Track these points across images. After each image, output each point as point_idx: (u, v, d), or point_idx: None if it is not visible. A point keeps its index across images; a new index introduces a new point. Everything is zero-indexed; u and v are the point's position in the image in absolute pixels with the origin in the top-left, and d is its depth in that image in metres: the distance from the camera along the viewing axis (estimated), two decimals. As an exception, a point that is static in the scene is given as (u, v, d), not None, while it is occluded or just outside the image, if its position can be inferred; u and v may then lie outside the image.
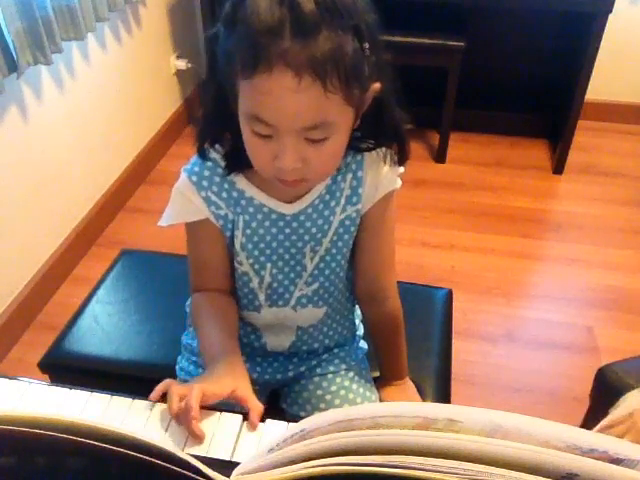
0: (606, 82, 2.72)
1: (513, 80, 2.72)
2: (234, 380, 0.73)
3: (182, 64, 2.63)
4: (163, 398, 0.70)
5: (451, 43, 2.26)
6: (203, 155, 0.80)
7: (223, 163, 0.79)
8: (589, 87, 2.29)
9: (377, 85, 0.71)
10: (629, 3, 2.57)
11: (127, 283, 1.27)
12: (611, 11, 2.11)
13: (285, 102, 0.63)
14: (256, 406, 0.69)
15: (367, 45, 0.66)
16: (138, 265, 1.33)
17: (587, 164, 2.58)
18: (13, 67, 1.55)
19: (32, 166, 1.77)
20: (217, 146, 0.80)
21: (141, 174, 2.41)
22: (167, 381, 0.71)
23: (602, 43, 2.19)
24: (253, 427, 0.68)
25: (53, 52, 1.66)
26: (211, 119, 0.77)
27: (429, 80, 2.54)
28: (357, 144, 0.80)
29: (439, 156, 2.58)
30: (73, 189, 2.00)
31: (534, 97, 2.74)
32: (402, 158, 0.82)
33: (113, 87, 2.18)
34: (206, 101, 0.77)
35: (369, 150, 0.81)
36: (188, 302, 0.96)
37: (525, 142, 2.71)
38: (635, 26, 2.63)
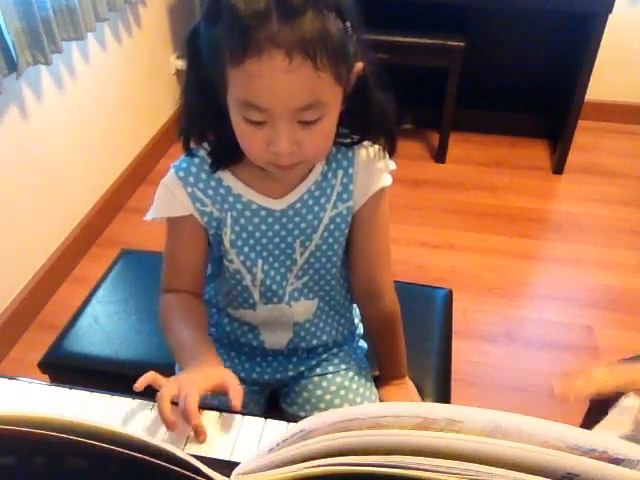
0: (606, 82, 2.73)
1: (513, 80, 2.73)
2: (215, 371, 0.73)
3: (182, 64, 2.63)
4: (154, 389, 0.69)
5: (451, 43, 2.26)
6: (190, 152, 0.80)
7: (209, 160, 0.80)
8: (589, 87, 2.30)
9: (360, 65, 0.72)
10: (629, 3, 2.57)
11: (127, 283, 1.27)
12: (611, 11, 2.11)
13: (278, 84, 0.64)
14: (236, 386, 0.70)
15: (349, 24, 0.67)
16: (138, 265, 1.33)
17: (587, 164, 2.58)
18: (13, 67, 1.55)
19: (32, 166, 1.77)
20: (205, 144, 0.80)
21: (141, 174, 2.41)
22: (151, 373, 0.69)
23: (602, 43, 2.19)
24: (236, 404, 0.67)
25: (53, 52, 1.66)
26: (195, 115, 0.77)
27: (429, 80, 2.54)
28: (345, 139, 0.81)
29: (439, 156, 2.58)
30: (73, 189, 2.00)
31: (534, 97, 2.74)
32: (391, 146, 0.82)
33: (113, 87, 2.18)
34: (188, 97, 0.77)
35: (359, 142, 0.81)
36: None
37: (525, 142, 2.71)
38: (635, 26, 2.63)
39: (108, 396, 0.72)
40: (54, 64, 1.72)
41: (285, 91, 0.64)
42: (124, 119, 2.29)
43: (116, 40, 2.16)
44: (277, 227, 0.83)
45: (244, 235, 0.83)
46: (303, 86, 0.64)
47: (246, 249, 0.84)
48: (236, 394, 0.69)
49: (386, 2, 2.23)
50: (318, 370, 0.97)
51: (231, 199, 0.81)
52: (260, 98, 0.65)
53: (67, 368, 1.11)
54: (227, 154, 0.78)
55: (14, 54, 1.53)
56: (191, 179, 0.81)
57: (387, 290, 0.93)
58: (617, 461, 0.41)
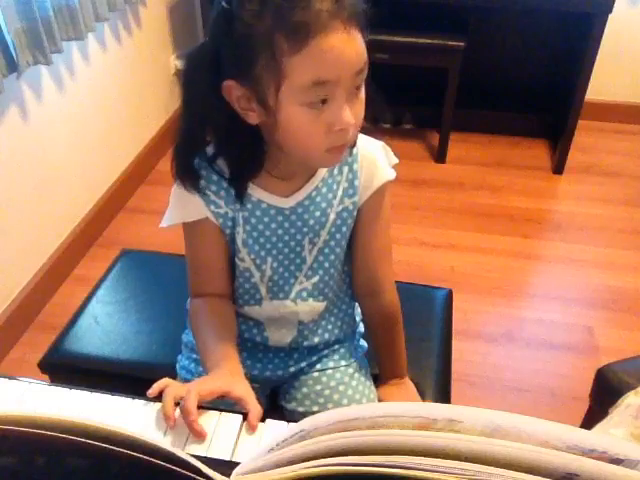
0: (606, 82, 2.73)
1: (513, 80, 2.73)
2: (231, 380, 0.73)
3: (182, 64, 2.62)
4: (160, 397, 0.70)
5: (451, 43, 2.26)
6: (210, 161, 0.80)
7: (228, 173, 0.80)
8: (589, 87, 2.30)
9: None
10: (629, 3, 2.57)
11: (127, 283, 1.27)
12: (611, 11, 2.11)
13: (345, 52, 0.67)
14: (255, 408, 0.69)
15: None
16: (138, 265, 1.33)
17: (587, 164, 2.58)
18: (13, 67, 1.55)
19: (32, 166, 1.77)
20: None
21: (141, 174, 2.41)
22: (165, 380, 0.71)
23: (602, 43, 2.19)
24: (252, 429, 0.68)
25: (53, 52, 1.66)
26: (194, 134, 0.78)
27: (429, 80, 2.54)
28: None
29: (439, 156, 2.58)
30: (73, 189, 2.00)
31: (534, 97, 2.74)
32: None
33: (113, 87, 2.18)
34: (213, 114, 0.75)
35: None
36: (187, 303, 0.96)
37: (525, 142, 2.71)
38: (635, 27, 2.63)
39: (108, 396, 0.72)
40: (54, 64, 1.72)
41: (350, 57, 0.68)
42: (124, 119, 2.29)
43: (116, 40, 2.16)
44: (287, 225, 0.84)
45: (255, 234, 0.84)
46: (360, 49, 0.69)
47: (257, 247, 0.85)
48: (255, 414, 0.68)
49: (386, 2, 2.22)
50: (318, 366, 0.97)
51: None
52: (330, 70, 0.67)
53: (67, 368, 1.11)
54: (249, 167, 0.79)
55: (14, 54, 1.53)
56: (203, 182, 0.81)
57: (388, 286, 0.94)
58: (617, 461, 0.41)
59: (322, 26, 0.65)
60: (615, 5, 2.10)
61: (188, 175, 0.80)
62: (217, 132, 0.78)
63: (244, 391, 0.71)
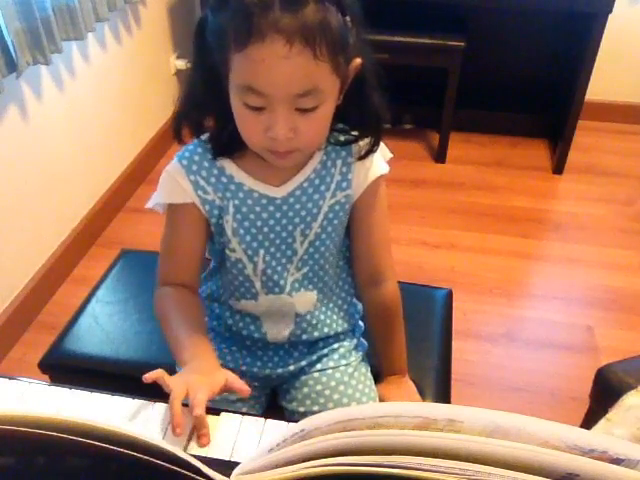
0: (606, 82, 2.73)
1: (513, 80, 2.73)
2: (219, 373, 0.74)
3: (182, 64, 2.63)
4: (156, 390, 0.70)
5: (451, 43, 2.26)
6: (179, 138, 0.83)
7: (210, 146, 0.81)
8: (589, 87, 2.30)
9: (358, 60, 0.75)
10: (629, 3, 2.57)
11: (127, 283, 1.27)
12: (611, 11, 2.11)
13: (278, 68, 0.66)
14: (237, 379, 0.73)
15: (349, 18, 0.70)
16: (138, 265, 1.33)
17: (587, 164, 2.58)
18: (13, 67, 1.55)
19: (32, 166, 1.77)
20: (204, 135, 0.82)
21: (141, 174, 2.41)
22: (161, 370, 0.70)
23: (602, 43, 2.19)
24: (245, 392, 0.70)
25: (52, 52, 1.66)
26: (197, 101, 0.79)
27: (429, 80, 2.54)
28: (341, 137, 0.83)
29: (439, 156, 2.58)
30: (73, 189, 2.00)
31: (534, 97, 2.74)
32: (375, 144, 0.84)
33: (113, 87, 2.18)
34: (192, 83, 0.78)
35: (351, 142, 0.84)
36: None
37: (525, 142, 2.71)
38: (635, 26, 2.63)
39: (108, 396, 0.72)
40: (54, 64, 1.73)
41: (284, 76, 0.67)
42: (124, 119, 2.29)
43: (116, 40, 2.16)
44: (278, 215, 0.84)
45: (246, 224, 0.85)
46: (302, 73, 0.67)
47: (248, 238, 0.85)
48: (241, 387, 0.71)
49: (386, 2, 2.23)
50: (318, 366, 0.97)
51: (233, 187, 0.83)
52: (260, 83, 0.67)
53: (67, 368, 1.11)
54: (230, 143, 0.79)
55: (14, 54, 1.53)
56: (194, 167, 0.82)
57: (389, 275, 0.95)
58: (617, 461, 0.41)
59: (260, 35, 0.64)
60: (615, 5, 2.10)
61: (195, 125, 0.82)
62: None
63: (229, 376, 0.73)
